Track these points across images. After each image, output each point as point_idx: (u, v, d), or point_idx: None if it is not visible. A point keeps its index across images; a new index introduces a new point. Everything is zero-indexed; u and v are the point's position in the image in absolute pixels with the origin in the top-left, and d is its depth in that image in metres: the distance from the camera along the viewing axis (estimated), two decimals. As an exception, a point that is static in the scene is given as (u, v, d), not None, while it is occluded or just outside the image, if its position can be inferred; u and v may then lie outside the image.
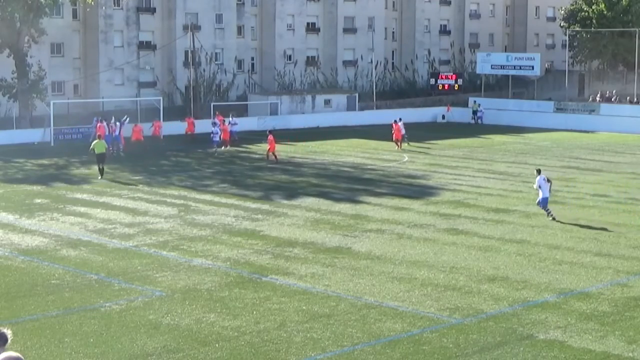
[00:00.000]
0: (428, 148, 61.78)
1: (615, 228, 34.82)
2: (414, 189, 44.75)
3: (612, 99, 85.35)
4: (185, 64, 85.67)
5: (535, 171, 38.39)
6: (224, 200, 41.43)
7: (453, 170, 49.35)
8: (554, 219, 35.59)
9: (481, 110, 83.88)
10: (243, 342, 20.75)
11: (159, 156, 57.65)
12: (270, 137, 54.49)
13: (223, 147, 60.20)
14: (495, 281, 26.54)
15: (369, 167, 52.93)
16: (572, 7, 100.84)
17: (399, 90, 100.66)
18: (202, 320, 22.48)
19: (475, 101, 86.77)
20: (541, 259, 29.26)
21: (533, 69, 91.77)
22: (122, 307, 23.68)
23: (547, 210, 36.18)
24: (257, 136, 65.83)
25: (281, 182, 47.09)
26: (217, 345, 20.50)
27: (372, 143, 64.99)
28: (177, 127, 71.31)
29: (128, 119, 62.98)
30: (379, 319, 22.69)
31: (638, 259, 29.36)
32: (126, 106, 76.77)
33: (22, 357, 8.83)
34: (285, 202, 40.96)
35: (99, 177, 46.91)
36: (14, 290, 25.43)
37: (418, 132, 71.15)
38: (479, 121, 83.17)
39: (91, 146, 48.29)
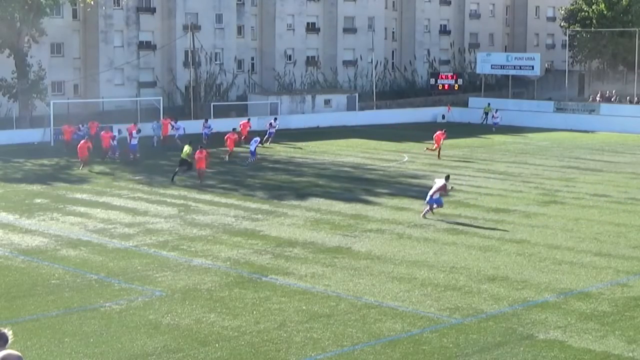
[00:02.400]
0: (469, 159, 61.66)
1: (615, 228, 34.86)
2: (414, 189, 44.71)
3: (612, 99, 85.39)
4: (185, 64, 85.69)
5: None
6: (224, 200, 41.42)
7: (453, 170, 49.29)
8: None
9: (498, 116, 78.80)
10: (243, 342, 20.75)
11: (159, 156, 57.62)
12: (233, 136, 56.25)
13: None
14: (495, 281, 26.55)
15: (369, 167, 52.92)
16: (572, 7, 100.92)
17: (399, 90, 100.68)
18: (202, 320, 22.48)
19: (489, 103, 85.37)
20: (541, 259, 29.27)
21: (533, 69, 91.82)
22: (122, 307, 23.68)
23: None
24: (257, 136, 65.82)
25: (281, 182, 47.09)
26: (217, 345, 20.50)
27: (372, 143, 64.95)
28: (183, 126, 71.44)
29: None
30: (378, 319, 22.69)
31: (638, 259, 29.37)
32: (126, 106, 76.90)
33: (22, 357, 8.84)
34: (285, 202, 40.96)
35: (173, 179, 46.88)
36: (14, 290, 25.43)
37: (418, 132, 71.18)
38: (493, 127, 77.47)
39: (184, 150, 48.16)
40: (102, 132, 57.94)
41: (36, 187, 45.60)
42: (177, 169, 47.06)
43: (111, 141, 55.72)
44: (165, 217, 36.97)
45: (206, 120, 66.06)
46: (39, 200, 41.37)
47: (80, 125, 64.03)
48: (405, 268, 28.05)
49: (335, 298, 24.57)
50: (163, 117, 68.52)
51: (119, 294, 25.05)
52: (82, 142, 50.83)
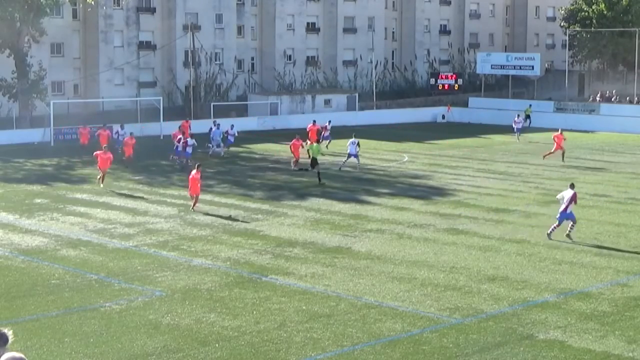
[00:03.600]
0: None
1: (615, 228, 34.88)
2: (414, 189, 44.74)
3: (612, 99, 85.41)
4: (186, 64, 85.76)
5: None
6: (224, 200, 41.41)
7: (453, 170, 49.36)
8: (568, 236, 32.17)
9: (520, 121, 70.59)
10: (243, 342, 20.76)
11: (160, 156, 57.61)
12: (298, 142, 52.94)
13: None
14: (495, 281, 26.55)
15: (369, 167, 52.88)
16: (572, 7, 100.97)
17: (399, 90, 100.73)
18: (202, 320, 22.48)
19: (530, 105, 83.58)
20: (541, 259, 29.28)
21: (533, 69, 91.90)
22: (122, 307, 23.68)
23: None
24: (257, 136, 65.95)
25: (281, 182, 47.09)
26: (217, 345, 20.51)
27: (372, 143, 64.87)
28: (178, 127, 71.53)
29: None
30: (378, 319, 22.70)
31: (638, 259, 29.38)
32: (126, 106, 76.93)
33: (25, 358, 8.84)
34: (285, 202, 40.96)
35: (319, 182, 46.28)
36: (14, 290, 25.44)
37: (418, 132, 71.21)
38: (517, 134, 69.65)
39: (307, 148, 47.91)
40: (126, 139, 54.38)
41: (36, 187, 45.61)
42: (309, 169, 47.34)
43: (177, 144, 53.23)
44: (165, 217, 36.97)
45: (232, 127, 60.56)
46: (39, 200, 41.37)
47: (120, 129, 59.58)
48: (405, 268, 28.06)
49: (335, 298, 24.58)
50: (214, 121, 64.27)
51: (119, 294, 25.06)
52: (101, 152, 45.56)
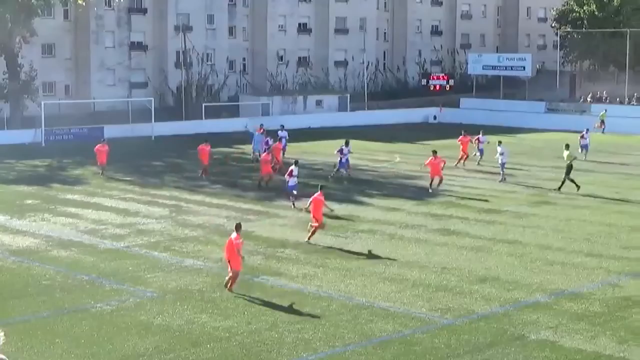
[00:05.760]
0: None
1: (606, 228, 34.93)
2: (406, 190, 44.78)
3: (603, 100, 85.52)
4: (177, 64, 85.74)
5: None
6: (216, 200, 41.40)
7: (445, 171, 49.27)
8: None
9: (587, 137, 59.51)
10: (234, 343, 20.74)
11: (151, 157, 57.57)
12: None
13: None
14: (487, 282, 26.58)
15: (360, 167, 52.82)
16: (563, 8, 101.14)
17: (391, 91, 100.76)
18: (193, 321, 22.46)
19: (605, 110, 78.74)
20: (532, 260, 29.32)
21: (524, 69, 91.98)
22: (113, 308, 23.65)
23: None
24: (250, 137, 65.83)
25: (274, 183, 47.01)
26: (208, 346, 20.48)
27: (364, 144, 64.85)
28: (169, 128, 71.66)
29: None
30: (370, 319, 22.69)
31: (629, 259, 29.44)
32: (118, 107, 76.90)
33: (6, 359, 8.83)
34: (277, 202, 40.92)
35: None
36: (5, 291, 25.39)
37: (410, 133, 71.25)
38: (584, 151, 58.23)
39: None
40: (201, 145, 49.37)
41: (27, 188, 45.53)
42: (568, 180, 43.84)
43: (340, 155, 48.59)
44: (156, 218, 36.95)
45: (346, 143, 49.44)
46: (30, 201, 41.31)
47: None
48: (397, 268, 28.09)
49: (327, 299, 24.57)
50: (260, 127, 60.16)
51: (110, 295, 25.02)
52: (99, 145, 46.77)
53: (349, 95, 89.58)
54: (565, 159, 43.69)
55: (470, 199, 41.69)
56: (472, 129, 76.06)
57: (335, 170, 48.22)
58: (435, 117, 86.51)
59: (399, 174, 50.53)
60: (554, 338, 21.19)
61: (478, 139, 53.68)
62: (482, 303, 24.25)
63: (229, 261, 24.62)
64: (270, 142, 51.01)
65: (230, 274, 24.72)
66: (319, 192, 31.97)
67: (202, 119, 76.09)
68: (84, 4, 74.10)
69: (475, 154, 53.84)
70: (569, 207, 39.82)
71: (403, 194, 43.01)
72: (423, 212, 38.49)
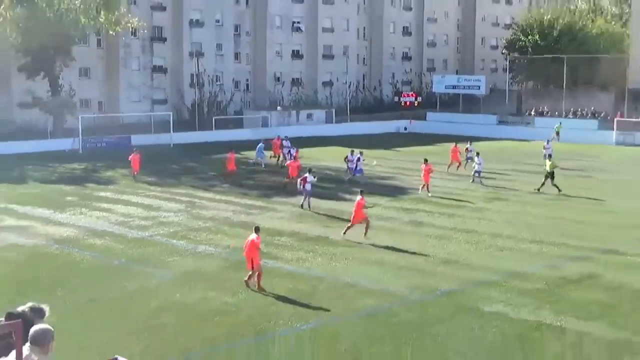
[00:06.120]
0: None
1: (548, 220, 35.05)
2: (382, 188, 44.76)
3: (545, 114, 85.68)
4: (191, 84, 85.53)
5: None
6: (224, 197, 41.39)
7: (414, 172, 49.32)
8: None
9: (549, 147, 57.50)
10: (240, 316, 20.80)
11: (170, 161, 57.50)
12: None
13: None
14: (449, 264, 26.66)
15: (344, 170, 52.75)
16: (511, 38, 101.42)
17: (369, 107, 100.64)
18: (205, 297, 22.50)
19: (560, 122, 77.56)
20: (486, 246, 29.42)
21: (479, 88, 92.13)
22: (140, 287, 23.68)
23: None
24: (252, 145, 65.70)
25: (273, 183, 46.98)
26: (217, 318, 20.53)
27: (347, 150, 64.71)
28: (185, 137, 71.55)
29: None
30: (355, 296, 22.77)
31: (567, 245, 29.54)
32: (142, 120, 76.80)
33: (52, 329, 8.83)
34: (276, 199, 40.93)
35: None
36: (49, 273, 25.41)
37: (385, 141, 71.22)
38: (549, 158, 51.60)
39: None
40: (229, 153, 48.34)
41: (67, 187, 45.44)
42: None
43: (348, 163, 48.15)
44: (175, 212, 36.93)
45: (360, 155, 47.54)
46: (69, 198, 41.26)
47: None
48: (375, 254, 28.14)
49: (317, 278, 24.63)
50: (278, 137, 60.11)
51: (137, 276, 25.04)
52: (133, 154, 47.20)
53: (334, 110, 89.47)
54: (548, 168, 43.31)
55: (435, 196, 41.70)
56: (437, 138, 76.40)
57: (350, 175, 47.88)
58: (405, 128, 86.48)
59: (376, 175, 50.46)
60: (504, 310, 21.30)
61: (467, 148, 52.68)
62: (445, 282, 24.34)
63: (250, 260, 22.99)
64: (293, 151, 50.47)
65: (251, 272, 23.13)
66: (360, 197, 30.68)
67: (212, 129, 75.98)
68: (114, 34, 73.92)
69: (464, 162, 52.25)
70: (517, 203, 39.93)
71: (379, 192, 42.96)
72: (395, 206, 38.56)
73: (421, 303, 22.15)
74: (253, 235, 23.28)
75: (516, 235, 31.34)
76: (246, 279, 23.09)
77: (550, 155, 54.13)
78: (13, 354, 7.65)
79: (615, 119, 76.26)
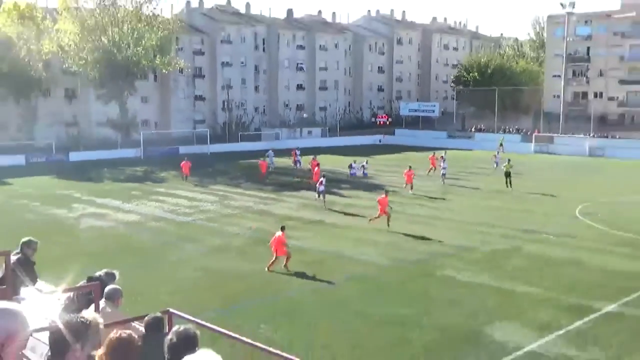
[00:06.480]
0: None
1: (487, 208, 34.86)
2: (363, 185, 44.64)
3: (482, 130, 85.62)
4: (223, 109, 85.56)
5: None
6: (247, 192, 41.23)
7: (389, 174, 49.19)
8: None
9: (499, 157, 55.44)
10: (257, 279, 20.65)
11: (207, 165, 57.35)
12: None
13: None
14: (415, 240, 26.54)
15: (335, 171, 52.58)
16: (457, 74, 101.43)
17: (353, 125, 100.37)
18: (234, 265, 22.38)
19: (503, 137, 73.20)
20: (448, 228, 29.19)
21: (434, 112, 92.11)
22: (185, 258, 23.55)
23: None
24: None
25: (284, 182, 46.84)
26: (239, 281, 20.40)
27: (337, 157, 64.68)
28: (218, 148, 71.29)
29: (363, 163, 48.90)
30: (345, 264, 22.63)
31: (500, 227, 29.39)
32: (187, 135, 76.75)
33: (120, 289, 8.63)
34: (286, 193, 40.76)
35: None
36: (118, 248, 25.24)
37: (365, 150, 71.10)
38: (495, 165, 53.45)
39: None
40: (260, 161, 49.37)
41: (132, 184, 45.27)
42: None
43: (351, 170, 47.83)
44: (211, 202, 36.78)
45: (365, 162, 47.17)
46: (134, 192, 41.09)
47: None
48: (362, 234, 27.99)
49: (318, 252, 24.47)
50: (296, 149, 58.98)
51: (183, 250, 24.90)
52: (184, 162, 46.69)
53: (327, 128, 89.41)
54: (504, 169, 42.68)
55: (404, 190, 41.48)
56: (403, 149, 76.29)
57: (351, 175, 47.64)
58: (380, 141, 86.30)
59: (359, 175, 50.28)
60: (454, 274, 21.19)
61: (442, 157, 50.93)
62: (412, 253, 24.21)
63: (275, 250, 21.41)
64: (300, 159, 51.07)
65: (273, 260, 21.42)
66: (385, 195, 29.42)
67: (238, 142, 75.85)
68: (166, 72, 73.93)
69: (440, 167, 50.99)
70: (464, 196, 39.74)
71: (361, 188, 42.84)
72: (374, 198, 38.32)
73: (395, 269, 21.99)
74: (279, 233, 21.82)
75: (467, 220, 31.15)
76: (269, 265, 21.55)
77: (497, 163, 52.94)
78: (92, 307, 7.58)
79: (533, 134, 76.22)
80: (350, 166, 49.34)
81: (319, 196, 36.11)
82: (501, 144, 72.63)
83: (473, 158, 65.56)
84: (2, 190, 42.35)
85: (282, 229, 22.32)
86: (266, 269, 21.40)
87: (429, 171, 50.29)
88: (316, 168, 45.08)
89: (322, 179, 36.84)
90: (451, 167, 51.33)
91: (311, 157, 51.71)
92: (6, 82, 64.64)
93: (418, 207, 35.35)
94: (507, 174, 42.20)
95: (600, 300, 18.51)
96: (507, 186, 41.76)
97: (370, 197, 38.60)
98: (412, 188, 40.89)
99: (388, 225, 28.73)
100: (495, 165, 53.61)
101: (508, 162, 43.45)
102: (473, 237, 27.29)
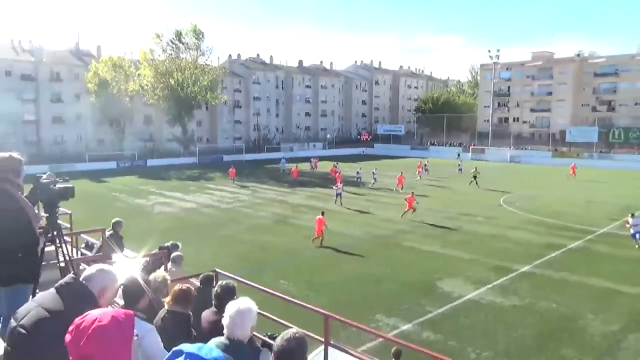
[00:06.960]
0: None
1: (441, 198, 34.46)
2: (352, 183, 44.36)
3: (435, 144, 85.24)
4: (254, 129, 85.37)
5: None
6: (272, 187, 41.09)
7: (370, 175, 48.89)
8: None
9: (462, 164, 53.70)
10: (283, 247, 20.61)
11: (243, 169, 57.18)
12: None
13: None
14: (386, 221, 26.38)
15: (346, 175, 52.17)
16: (417, 105, 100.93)
17: (344, 141, 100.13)
18: (262, 239, 22.28)
19: (460, 150, 70.41)
20: (416, 215, 28.97)
21: (401, 131, 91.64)
22: (229, 233, 23.45)
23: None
24: (297, 160, 65.65)
25: (297, 181, 46.63)
26: (270, 250, 20.32)
27: (333, 163, 64.47)
28: (251, 156, 71.02)
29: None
30: (338, 239, 22.49)
31: (447, 212, 29.07)
32: (228, 147, 76.57)
33: (182, 255, 8.60)
34: (299, 188, 40.52)
35: None
36: (181, 227, 25.06)
37: (353, 158, 70.76)
38: (460, 171, 51.05)
39: None
40: (293, 168, 45.94)
41: (190, 182, 45.11)
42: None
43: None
44: (246, 195, 36.60)
45: (375, 169, 43.84)
46: (192, 187, 40.96)
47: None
48: (354, 217, 27.85)
49: (327, 231, 24.31)
50: (315, 157, 57.02)
51: (228, 227, 24.81)
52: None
53: (327, 142, 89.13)
54: (472, 173, 41.52)
55: (384, 187, 41.19)
56: (380, 157, 75.68)
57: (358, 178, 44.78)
58: (363, 152, 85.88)
59: (349, 175, 49.81)
60: (414, 245, 21.09)
61: (425, 164, 47.82)
62: (383, 231, 24.12)
63: (319, 229, 20.44)
64: (313, 162, 50.15)
65: (317, 236, 20.54)
66: (411, 195, 27.32)
67: (264, 152, 75.65)
68: (214, 104, 73.72)
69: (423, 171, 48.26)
70: (423, 191, 39.25)
71: (351, 185, 42.38)
72: (360, 193, 38.05)
73: (370, 242, 21.92)
74: (320, 215, 20.88)
75: (428, 206, 30.93)
76: (314, 239, 20.76)
77: (461, 170, 50.24)
78: (162, 268, 7.56)
79: (470, 147, 75.98)
80: (357, 172, 45.85)
81: (337, 197, 31.55)
82: (458, 155, 72.42)
83: (429, 165, 65.31)
84: (101, 186, 42.35)
85: (322, 213, 21.12)
86: (312, 241, 20.79)
87: (419, 175, 46.49)
88: (337, 173, 42.20)
89: (340, 184, 32.39)
90: (411, 172, 51.09)
91: (332, 164, 50.42)
92: (103, 112, 64.98)
93: (390, 197, 35.09)
94: (475, 177, 41.36)
95: (518, 263, 18.47)
96: (475, 185, 39.96)
97: (361, 194, 38.25)
98: (402, 188, 39.09)
99: (403, 216, 26.36)
100: (460, 171, 51.62)
101: (475, 169, 42.85)
102: (428, 218, 27.17)
